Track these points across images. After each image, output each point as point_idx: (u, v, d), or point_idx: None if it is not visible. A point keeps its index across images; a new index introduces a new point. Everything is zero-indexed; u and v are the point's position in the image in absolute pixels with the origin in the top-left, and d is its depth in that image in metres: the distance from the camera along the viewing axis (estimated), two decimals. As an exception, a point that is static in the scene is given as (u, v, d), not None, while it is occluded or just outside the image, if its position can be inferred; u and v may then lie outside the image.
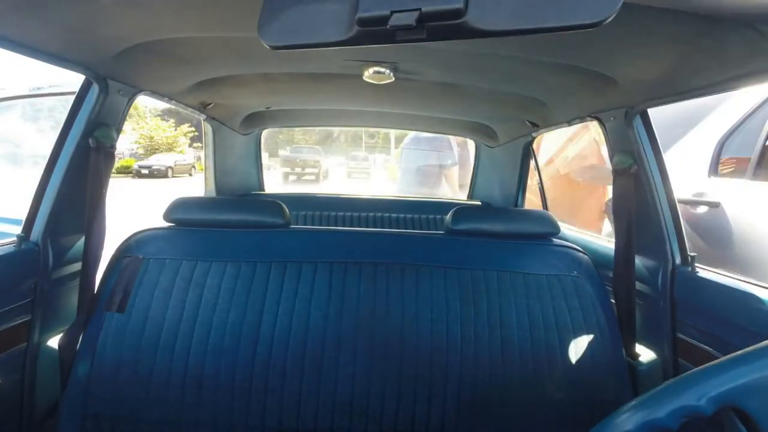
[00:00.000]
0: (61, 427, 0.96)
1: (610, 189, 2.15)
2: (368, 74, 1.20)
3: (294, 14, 0.47)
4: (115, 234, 1.16)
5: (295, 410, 0.99)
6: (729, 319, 0.94)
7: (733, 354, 0.45)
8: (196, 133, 19.67)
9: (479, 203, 2.45)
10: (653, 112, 1.12)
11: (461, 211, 1.23)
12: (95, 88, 1.03)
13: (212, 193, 2.19)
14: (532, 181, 2.26)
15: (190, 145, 21.57)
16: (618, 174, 1.16)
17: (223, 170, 2.20)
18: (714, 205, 1.96)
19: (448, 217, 1.23)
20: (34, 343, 1.01)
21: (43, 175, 1.03)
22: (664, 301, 1.11)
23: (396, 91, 1.47)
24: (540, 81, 1.21)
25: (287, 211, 1.21)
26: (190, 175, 18.11)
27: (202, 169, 2.28)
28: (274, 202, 1.21)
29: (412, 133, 3.52)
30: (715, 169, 2.05)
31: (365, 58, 1.12)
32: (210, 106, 1.69)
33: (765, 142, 1.88)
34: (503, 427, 1.01)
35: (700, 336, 1.02)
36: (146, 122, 21.58)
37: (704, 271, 1.06)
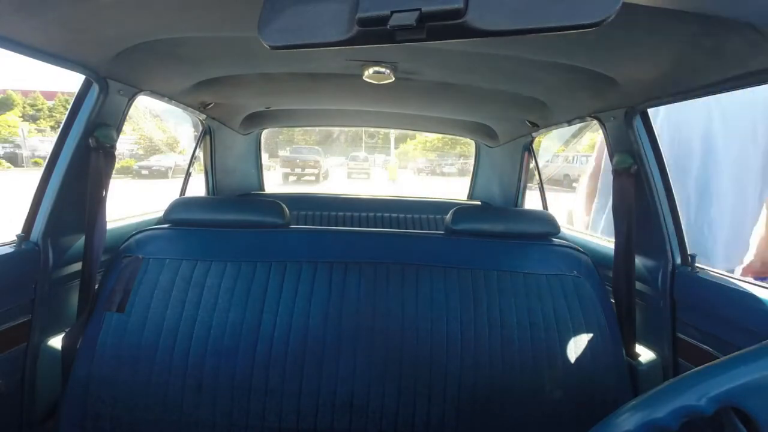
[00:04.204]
0: (61, 427, 0.96)
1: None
2: (368, 74, 1.20)
3: (294, 14, 0.47)
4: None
5: (295, 410, 0.99)
6: (729, 319, 0.94)
7: (733, 354, 0.45)
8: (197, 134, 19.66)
9: (479, 203, 2.45)
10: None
11: (461, 211, 1.23)
12: (95, 88, 1.03)
13: (212, 193, 2.19)
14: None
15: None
16: (618, 174, 1.16)
17: (223, 170, 2.20)
18: None
19: (448, 217, 1.23)
20: (34, 343, 1.01)
21: (43, 175, 1.03)
22: (664, 301, 1.10)
23: (396, 91, 1.47)
24: (540, 81, 1.21)
25: (287, 211, 1.21)
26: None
27: (201, 170, 2.27)
28: (274, 202, 1.21)
29: None
30: None
31: (365, 58, 1.12)
32: (210, 106, 1.69)
33: None
34: (503, 426, 1.01)
35: (700, 336, 1.02)
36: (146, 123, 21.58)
37: (704, 271, 1.06)
